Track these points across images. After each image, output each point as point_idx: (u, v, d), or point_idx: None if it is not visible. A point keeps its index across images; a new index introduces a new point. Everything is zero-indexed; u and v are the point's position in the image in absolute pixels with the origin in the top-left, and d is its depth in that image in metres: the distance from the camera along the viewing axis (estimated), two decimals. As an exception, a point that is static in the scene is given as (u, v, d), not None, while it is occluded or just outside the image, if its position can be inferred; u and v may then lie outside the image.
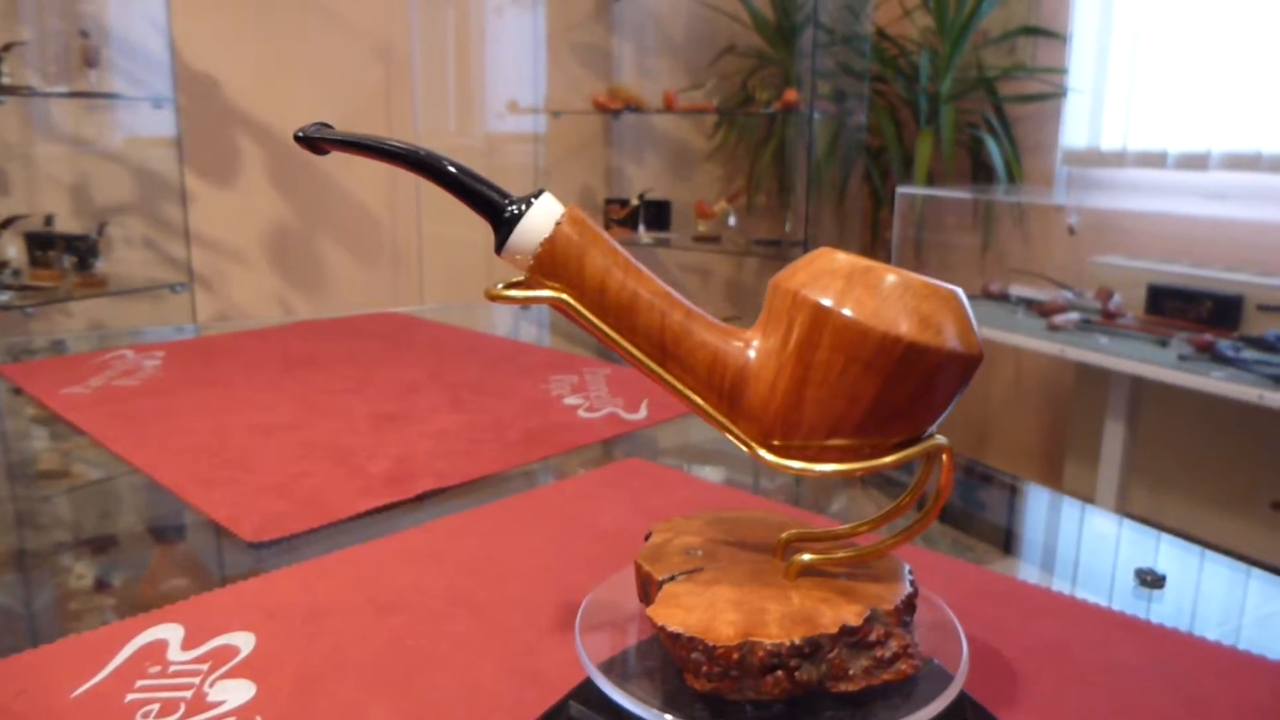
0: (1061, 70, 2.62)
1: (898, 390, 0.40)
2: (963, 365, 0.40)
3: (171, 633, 0.57)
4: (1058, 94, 2.63)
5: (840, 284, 0.40)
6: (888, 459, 0.41)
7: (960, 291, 0.41)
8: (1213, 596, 0.67)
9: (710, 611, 0.41)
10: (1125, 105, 2.49)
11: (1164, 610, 0.62)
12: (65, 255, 2.17)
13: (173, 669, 0.53)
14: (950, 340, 0.40)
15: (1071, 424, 2.52)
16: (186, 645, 0.56)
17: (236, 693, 0.51)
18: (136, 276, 2.34)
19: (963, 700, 0.43)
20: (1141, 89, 2.46)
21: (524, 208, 0.44)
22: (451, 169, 0.45)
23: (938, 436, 0.42)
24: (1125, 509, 2.16)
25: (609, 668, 0.42)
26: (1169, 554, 0.74)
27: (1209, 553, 0.72)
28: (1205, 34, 2.30)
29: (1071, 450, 2.51)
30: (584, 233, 0.44)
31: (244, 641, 0.56)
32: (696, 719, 0.39)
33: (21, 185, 2.26)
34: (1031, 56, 2.72)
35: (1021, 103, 2.72)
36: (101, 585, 0.67)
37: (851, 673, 0.40)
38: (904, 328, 0.39)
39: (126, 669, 0.53)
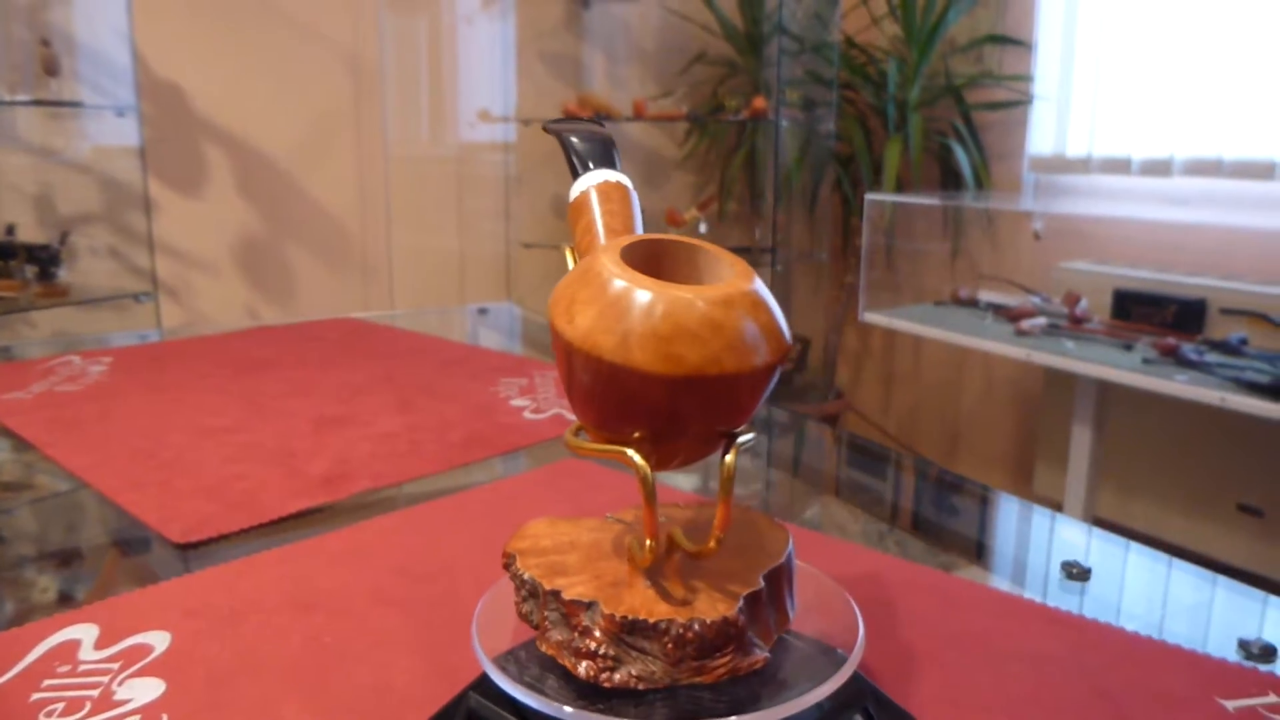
0: (1027, 78, 2.64)
1: (561, 367, 0.41)
2: (613, 373, 0.38)
3: (85, 633, 0.56)
4: (1024, 101, 2.65)
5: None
6: (583, 445, 0.42)
7: (713, 301, 0.38)
8: (1141, 589, 0.67)
9: (545, 536, 0.46)
10: (1090, 112, 2.52)
11: (1094, 604, 0.62)
12: (27, 265, 2.15)
13: (82, 668, 0.52)
14: (582, 337, 0.38)
15: (1041, 428, 2.53)
16: (100, 645, 0.55)
17: (144, 691, 0.50)
18: (100, 286, 2.33)
19: (862, 686, 0.43)
20: (1106, 96, 2.48)
21: (581, 175, 0.51)
22: (572, 157, 0.51)
23: (634, 454, 0.40)
24: (1094, 512, 2.17)
25: (506, 660, 0.42)
26: (1099, 548, 0.74)
27: (1135, 544, 0.72)
28: (1168, 42, 2.33)
29: (1041, 454, 2.52)
30: (592, 199, 0.49)
31: (159, 641, 0.55)
32: (591, 708, 0.39)
33: (-16, 195, 2.24)
34: (998, 65, 2.74)
35: (989, 110, 2.74)
36: (19, 587, 0.66)
37: (549, 635, 0.41)
38: (555, 305, 0.40)
39: (35, 669, 0.52)
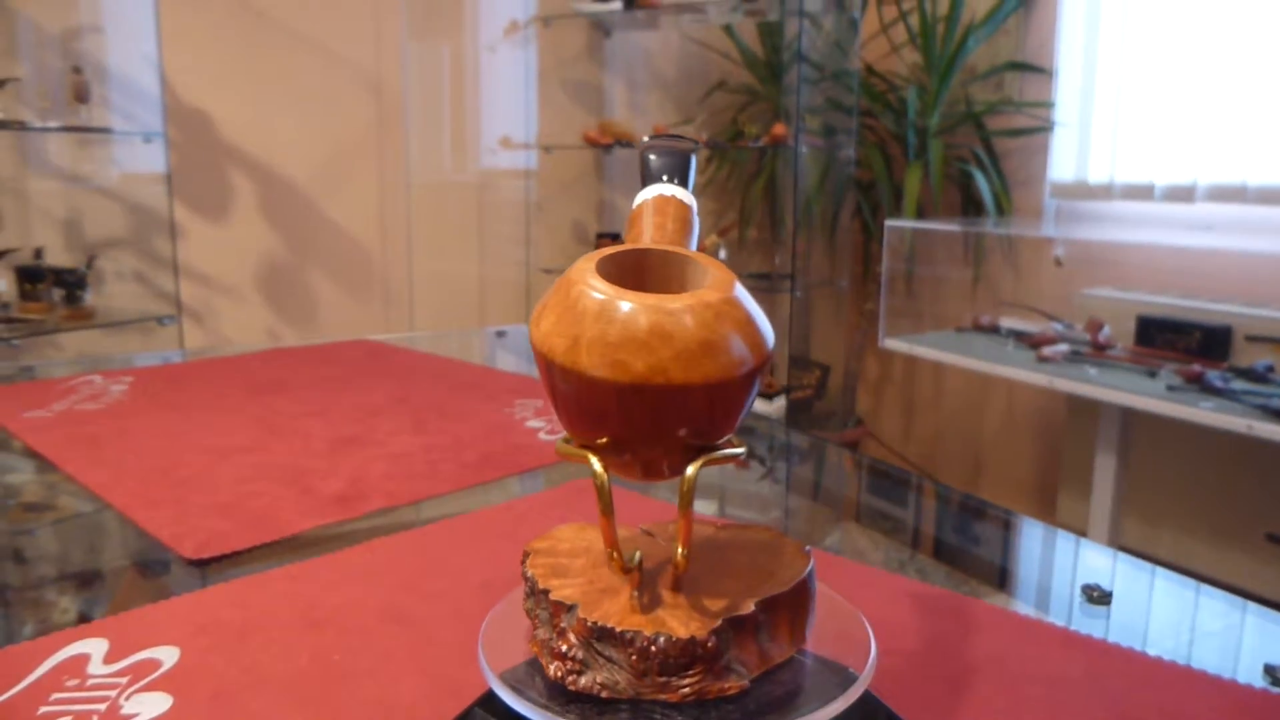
0: (1048, 105, 2.64)
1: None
2: (565, 376, 0.38)
3: (95, 647, 0.56)
4: (1045, 128, 2.65)
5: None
6: (563, 448, 0.42)
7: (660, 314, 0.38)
8: (1166, 615, 0.66)
9: (567, 540, 0.48)
10: (1111, 139, 2.51)
11: (1118, 630, 0.61)
12: (54, 288, 2.18)
13: (91, 682, 0.52)
14: (541, 339, 0.39)
15: (1064, 456, 2.50)
16: (109, 659, 0.55)
17: (151, 705, 0.50)
18: (125, 309, 2.35)
19: (874, 707, 0.42)
20: (1127, 123, 2.47)
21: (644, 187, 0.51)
22: (642, 171, 0.51)
23: (594, 460, 0.40)
24: (1119, 541, 2.14)
25: (512, 675, 0.42)
26: (1124, 573, 0.73)
27: (1159, 569, 0.71)
28: (1190, 68, 2.32)
29: (1065, 483, 2.49)
30: (645, 211, 0.49)
31: (167, 656, 0.55)
32: (596, 725, 0.38)
33: (14, 219, 2.28)
34: (1018, 91, 2.73)
35: (1009, 137, 2.73)
36: (33, 602, 0.66)
37: (536, 633, 0.43)
38: (534, 312, 0.41)
39: (44, 682, 0.52)
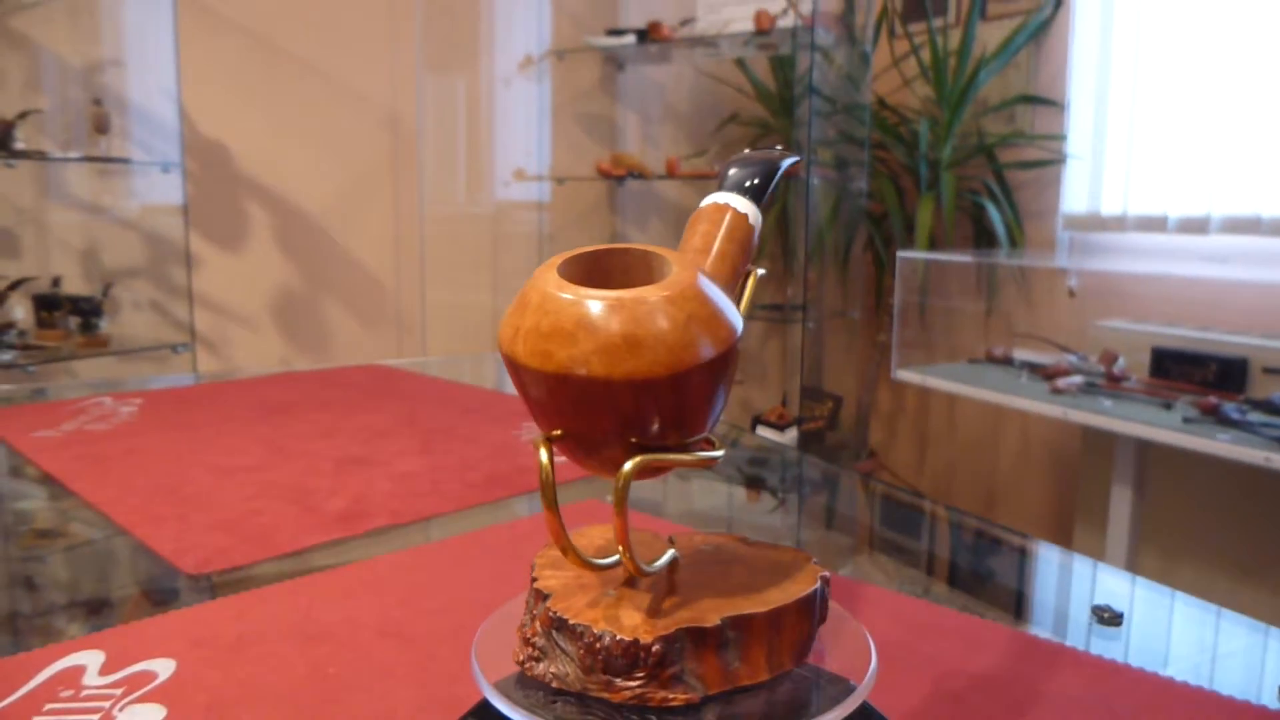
0: (1060, 137, 2.64)
1: None
2: (509, 365, 0.39)
3: (91, 659, 0.56)
4: (1057, 160, 2.65)
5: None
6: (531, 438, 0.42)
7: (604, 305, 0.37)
8: (1181, 637, 0.64)
9: (583, 537, 0.48)
10: (1124, 170, 2.50)
11: (1133, 652, 0.60)
12: (70, 316, 2.20)
13: (85, 694, 0.52)
14: (499, 330, 0.40)
15: (1079, 489, 2.47)
16: (104, 671, 0.54)
17: (145, 717, 0.50)
18: (140, 337, 2.37)
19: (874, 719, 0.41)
20: (1140, 154, 2.47)
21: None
22: (720, 184, 0.50)
23: (541, 450, 0.40)
24: (1136, 574, 2.10)
25: (506, 684, 0.41)
26: (1142, 596, 0.71)
27: (1179, 594, 0.69)
28: (1202, 99, 2.32)
29: (1080, 516, 2.46)
30: (699, 217, 0.48)
31: (163, 668, 0.55)
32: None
33: (33, 248, 2.30)
34: (1030, 124, 2.74)
35: (1021, 169, 2.73)
36: (34, 614, 0.66)
37: (522, 619, 0.43)
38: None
39: (38, 694, 0.52)
